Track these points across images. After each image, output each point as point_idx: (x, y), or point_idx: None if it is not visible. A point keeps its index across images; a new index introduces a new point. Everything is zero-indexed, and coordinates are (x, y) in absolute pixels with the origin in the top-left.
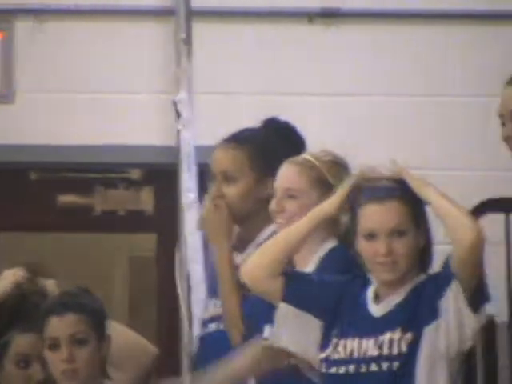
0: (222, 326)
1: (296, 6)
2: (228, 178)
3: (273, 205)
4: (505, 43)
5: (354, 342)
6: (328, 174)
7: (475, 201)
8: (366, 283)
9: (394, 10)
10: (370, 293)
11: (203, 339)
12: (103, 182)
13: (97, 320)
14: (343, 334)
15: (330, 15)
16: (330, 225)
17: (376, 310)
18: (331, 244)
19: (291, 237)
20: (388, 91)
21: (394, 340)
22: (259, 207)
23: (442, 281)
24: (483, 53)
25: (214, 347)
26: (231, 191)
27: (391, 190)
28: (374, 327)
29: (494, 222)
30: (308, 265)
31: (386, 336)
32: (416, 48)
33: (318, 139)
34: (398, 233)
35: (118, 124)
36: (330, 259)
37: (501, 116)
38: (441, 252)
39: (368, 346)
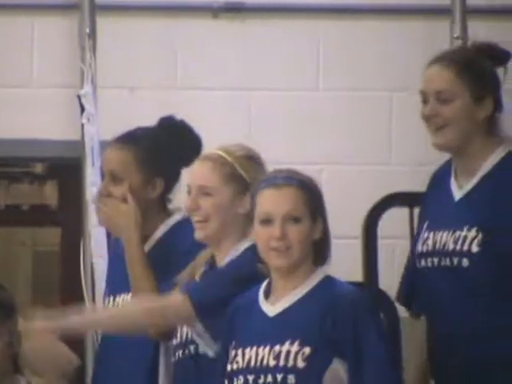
0: None
1: (200, 1)
2: (115, 178)
3: (188, 202)
4: (403, 38)
5: (265, 350)
6: (241, 169)
7: (378, 195)
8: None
9: (298, 5)
10: (261, 291)
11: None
12: (7, 176)
13: (6, 314)
14: (241, 343)
15: (234, 10)
16: (246, 224)
17: (271, 309)
18: (247, 243)
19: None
20: (291, 86)
21: (291, 351)
22: (149, 208)
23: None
24: (385, 45)
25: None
26: (117, 191)
27: (289, 178)
28: (271, 331)
29: (398, 216)
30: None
31: (284, 346)
32: (320, 41)
33: (219, 135)
34: (293, 219)
35: (21, 118)
36: (245, 257)
37: (423, 94)
38: (338, 246)
39: (264, 355)
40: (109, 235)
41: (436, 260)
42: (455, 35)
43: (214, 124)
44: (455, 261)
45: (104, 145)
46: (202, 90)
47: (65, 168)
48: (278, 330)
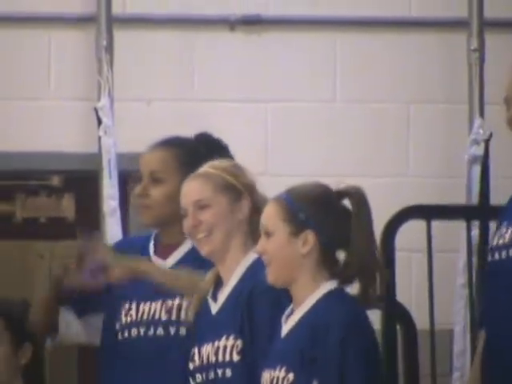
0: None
1: (217, 14)
2: (155, 179)
3: (187, 223)
4: (421, 50)
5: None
6: (230, 177)
7: (395, 207)
8: None
9: (314, 18)
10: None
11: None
12: (24, 189)
13: (11, 323)
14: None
15: (250, 23)
16: (247, 234)
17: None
18: (251, 257)
19: None
20: (308, 98)
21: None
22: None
23: None
24: (402, 58)
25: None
26: (157, 191)
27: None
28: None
29: (416, 229)
30: (233, 276)
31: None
32: (337, 54)
33: (236, 147)
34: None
35: (38, 131)
36: (255, 269)
37: (506, 99)
38: None
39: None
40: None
41: (505, 252)
42: (472, 48)
43: (231, 136)
44: None
45: (121, 157)
46: (218, 102)
47: (82, 181)
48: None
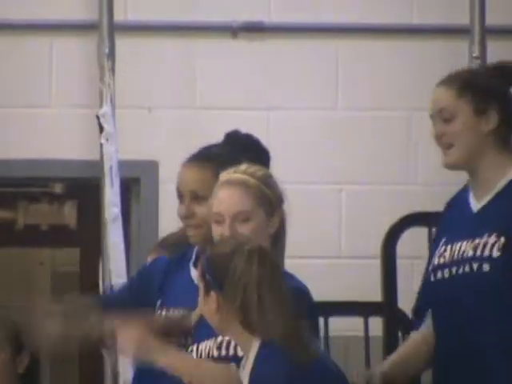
0: None
1: (219, 21)
2: (197, 197)
3: (225, 231)
4: (423, 58)
5: None
6: (266, 188)
7: (397, 215)
8: None
9: (317, 25)
10: None
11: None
12: (26, 197)
13: (12, 333)
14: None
15: (253, 30)
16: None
17: None
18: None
19: None
20: (310, 105)
21: None
22: None
23: None
24: (405, 65)
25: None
26: (203, 210)
27: None
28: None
29: (417, 236)
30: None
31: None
32: (339, 61)
33: None
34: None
35: (40, 138)
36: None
37: (431, 117)
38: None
39: None
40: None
41: (454, 269)
42: (474, 55)
43: None
44: (475, 266)
45: (123, 164)
46: (220, 109)
47: (84, 188)
48: None
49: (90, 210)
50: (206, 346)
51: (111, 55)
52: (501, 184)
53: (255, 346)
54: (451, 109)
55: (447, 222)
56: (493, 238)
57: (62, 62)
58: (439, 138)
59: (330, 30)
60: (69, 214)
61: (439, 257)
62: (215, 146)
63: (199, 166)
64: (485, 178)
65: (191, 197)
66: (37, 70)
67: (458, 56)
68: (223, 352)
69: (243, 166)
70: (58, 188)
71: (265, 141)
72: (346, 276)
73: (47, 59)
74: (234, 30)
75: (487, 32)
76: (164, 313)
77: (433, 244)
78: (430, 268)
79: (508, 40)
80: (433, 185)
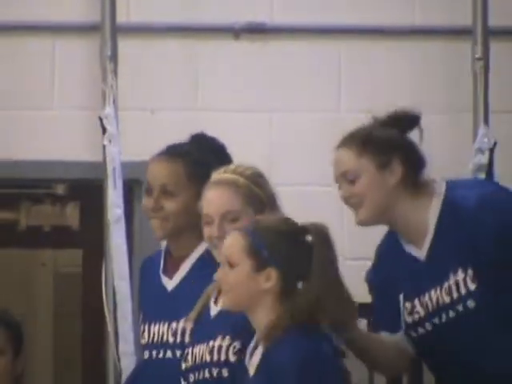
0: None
1: (222, 22)
2: (166, 192)
3: (213, 231)
4: (425, 59)
5: None
6: (256, 187)
7: None
8: None
9: (319, 26)
10: None
11: (140, 365)
12: (29, 198)
13: (15, 334)
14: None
15: (255, 31)
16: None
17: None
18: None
19: None
20: (313, 107)
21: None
22: (194, 223)
23: None
24: (407, 66)
25: (152, 375)
26: (171, 204)
27: None
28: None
29: None
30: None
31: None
32: (341, 63)
33: (240, 156)
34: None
35: (43, 139)
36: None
37: (336, 179)
38: (355, 268)
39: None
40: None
41: (436, 319)
42: (477, 56)
43: (235, 145)
44: (460, 308)
45: (126, 166)
46: (223, 111)
47: (86, 189)
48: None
49: (93, 212)
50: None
51: (114, 57)
52: (431, 223)
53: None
54: (354, 170)
55: (395, 276)
56: (460, 274)
57: (64, 64)
58: (347, 199)
59: (333, 32)
60: (71, 215)
61: (410, 314)
62: (184, 144)
63: (170, 161)
64: (409, 225)
65: (160, 190)
66: (39, 72)
67: (461, 57)
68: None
69: (233, 166)
70: (60, 189)
71: (267, 142)
72: (348, 278)
73: (49, 61)
74: (237, 32)
75: (490, 33)
76: (147, 329)
77: (379, 293)
78: (405, 327)
79: (511, 41)
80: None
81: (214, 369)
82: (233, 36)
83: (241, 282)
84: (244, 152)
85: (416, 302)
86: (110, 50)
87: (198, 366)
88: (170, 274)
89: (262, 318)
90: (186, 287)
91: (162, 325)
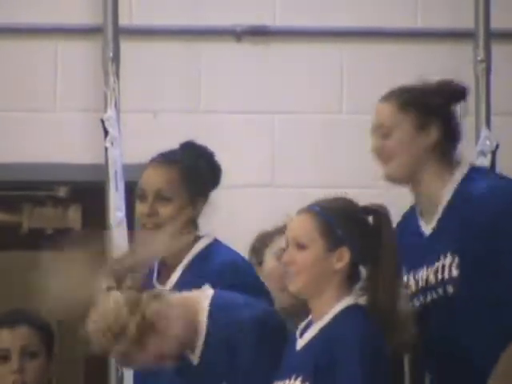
0: None
1: (224, 25)
2: (162, 197)
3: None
4: (427, 61)
5: None
6: None
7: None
8: None
9: (321, 29)
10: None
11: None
12: (30, 200)
13: (46, 336)
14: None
15: (257, 34)
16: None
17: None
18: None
19: None
20: (315, 109)
21: None
22: (189, 228)
23: None
24: (409, 68)
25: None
26: (167, 210)
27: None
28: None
29: None
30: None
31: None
32: (343, 65)
33: (243, 158)
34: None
35: (45, 142)
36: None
37: (371, 131)
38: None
39: None
40: None
41: (422, 298)
42: (479, 58)
43: (238, 147)
44: (440, 291)
45: (127, 168)
46: (225, 113)
47: (88, 192)
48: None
49: (95, 214)
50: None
51: (116, 59)
52: (444, 198)
53: (338, 306)
54: (390, 124)
55: (403, 249)
56: (449, 259)
57: (66, 66)
58: (377, 152)
59: (335, 34)
60: (73, 217)
61: (405, 287)
62: (176, 150)
63: (165, 166)
64: (428, 193)
65: (155, 196)
66: (41, 74)
67: (463, 59)
68: None
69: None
70: (62, 192)
71: (269, 144)
72: None
73: (52, 63)
74: (239, 34)
75: (492, 35)
76: None
77: None
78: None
79: None
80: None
81: None
82: (235, 38)
83: (313, 263)
84: (246, 154)
85: (411, 276)
86: (112, 52)
87: None
88: (163, 281)
89: (326, 300)
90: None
91: None
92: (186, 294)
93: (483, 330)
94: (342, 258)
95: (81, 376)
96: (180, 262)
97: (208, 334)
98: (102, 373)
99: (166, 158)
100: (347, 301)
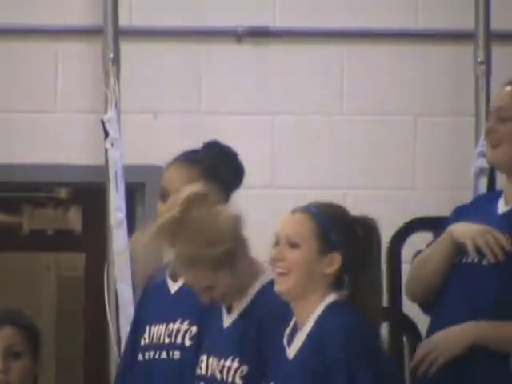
0: (161, 355)
1: (224, 26)
2: None
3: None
4: (427, 63)
5: None
6: None
7: (402, 220)
8: None
9: (322, 30)
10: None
11: (139, 365)
12: (31, 201)
13: (32, 336)
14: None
15: (258, 35)
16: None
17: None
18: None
19: None
20: (315, 110)
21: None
22: None
23: None
24: (409, 70)
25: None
26: None
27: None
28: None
29: (422, 241)
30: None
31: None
32: (344, 66)
33: (243, 159)
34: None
35: (45, 143)
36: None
37: (490, 110)
38: None
39: None
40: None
41: (469, 259)
42: (479, 60)
43: (238, 148)
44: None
45: (128, 169)
46: (225, 114)
47: (89, 193)
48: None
49: (95, 215)
50: (158, 330)
51: (116, 60)
52: None
53: (321, 306)
54: (507, 108)
55: (468, 217)
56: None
57: (66, 67)
58: (489, 133)
59: (335, 35)
60: (74, 218)
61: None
62: (199, 150)
63: (187, 166)
64: None
65: None
66: (42, 75)
67: (463, 61)
68: (173, 339)
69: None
70: (63, 193)
71: (269, 145)
72: None
73: (52, 64)
74: (239, 35)
75: (492, 37)
76: (148, 331)
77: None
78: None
79: None
80: (438, 190)
81: None
82: (235, 39)
83: (304, 263)
84: (247, 155)
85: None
86: (112, 52)
87: (209, 380)
88: (175, 277)
89: (310, 303)
90: (188, 289)
91: (160, 326)
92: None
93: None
94: (333, 263)
95: (81, 376)
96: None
97: (251, 304)
98: (102, 372)
99: (187, 158)
100: (329, 299)
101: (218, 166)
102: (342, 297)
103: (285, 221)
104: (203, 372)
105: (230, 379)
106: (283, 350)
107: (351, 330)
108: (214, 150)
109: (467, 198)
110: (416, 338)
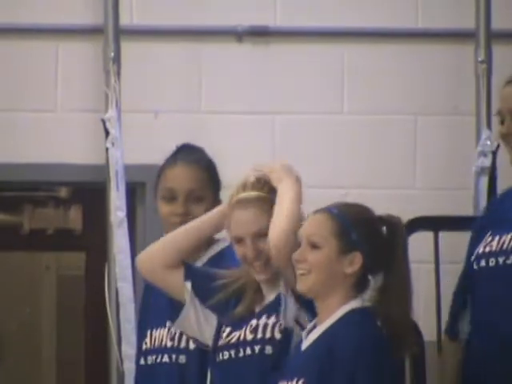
0: (163, 359)
1: (224, 25)
2: (194, 197)
3: (248, 251)
4: (428, 62)
5: None
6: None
7: (402, 219)
8: None
9: (322, 29)
10: None
11: (142, 369)
12: (32, 201)
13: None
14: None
15: (258, 34)
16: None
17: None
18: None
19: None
20: (316, 109)
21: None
22: None
23: None
24: (410, 69)
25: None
26: (199, 210)
27: None
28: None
29: (423, 240)
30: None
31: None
32: (344, 65)
33: (243, 158)
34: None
35: (46, 142)
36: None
37: (499, 113)
38: None
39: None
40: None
41: (501, 259)
42: (479, 59)
43: (239, 148)
44: (508, 259)
45: (128, 169)
46: (226, 113)
47: (89, 192)
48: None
49: (96, 215)
50: (160, 334)
51: (117, 59)
52: None
53: (343, 309)
54: None
55: (496, 212)
56: None
57: (67, 66)
58: (506, 136)
59: (335, 35)
60: (74, 218)
61: (485, 246)
62: (196, 149)
63: (194, 166)
64: None
65: (187, 195)
66: (42, 74)
67: (464, 60)
68: (176, 343)
69: (250, 182)
70: (63, 192)
71: (270, 144)
72: None
73: (53, 63)
74: (240, 35)
75: (493, 36)
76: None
77: (473, 236)
78: (473, 257)
79: None
80: (438, 189)
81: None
82: (236, 39)
83: (325, 263)
84: (247, 154)
85: (496, 237)
86: (113, 52)
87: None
88: None
89: (333, 302)
90: None
91: (162, 329)
92: None
93: None
94: (354, 263)
95: (82, 375)
96: (198, 259)
97: None
98: (103, 372)
99: (191, 158)
100: (352, 304)
101: (214, 166)
102: (366, 302)
103: (306, 221)
104: (233, 340)
105: (267, 335)
106: (300, 341)
107: (361, 345)
108: (200, 150)
109: (467, 197)
110: (417, 338)
